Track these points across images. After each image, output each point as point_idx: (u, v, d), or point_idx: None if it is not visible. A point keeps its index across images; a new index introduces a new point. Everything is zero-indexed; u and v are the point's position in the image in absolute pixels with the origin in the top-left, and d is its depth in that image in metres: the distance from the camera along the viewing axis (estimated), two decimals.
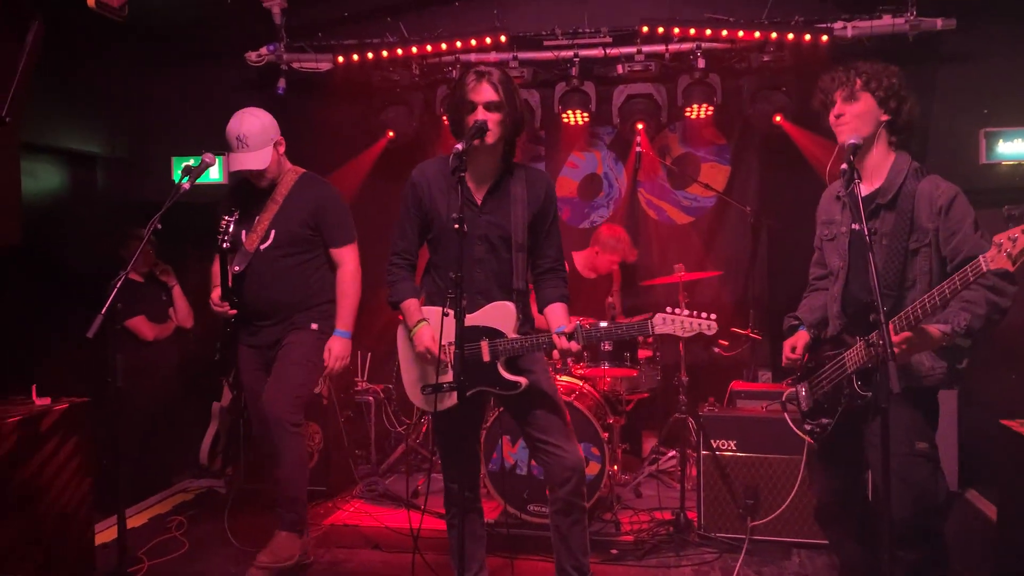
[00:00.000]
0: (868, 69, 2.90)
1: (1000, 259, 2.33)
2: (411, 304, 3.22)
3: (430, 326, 3.13)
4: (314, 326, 3.96)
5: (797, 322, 3.20)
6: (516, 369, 3.16)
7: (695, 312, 2.98)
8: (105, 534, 4.30)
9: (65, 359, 4.83)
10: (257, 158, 3.84)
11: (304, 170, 4.06)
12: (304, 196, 3.94)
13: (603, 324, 3.10)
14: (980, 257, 2.39)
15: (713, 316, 2.98)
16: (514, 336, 3.10)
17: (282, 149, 3.94)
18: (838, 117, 2.91)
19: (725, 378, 5.27)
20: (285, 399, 3.84)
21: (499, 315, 3.12)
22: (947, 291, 2.50)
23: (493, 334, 3.11)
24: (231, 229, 3.76)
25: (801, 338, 3.13)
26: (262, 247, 3.90)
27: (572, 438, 3.23)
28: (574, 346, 3.01)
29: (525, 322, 3.19)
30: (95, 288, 5.02)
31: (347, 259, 3.95)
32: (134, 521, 4.76)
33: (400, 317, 3.30)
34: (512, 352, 3.11)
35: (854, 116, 2.88)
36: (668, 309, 3.00)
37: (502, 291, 3.17)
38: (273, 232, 3.90)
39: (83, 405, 3.97)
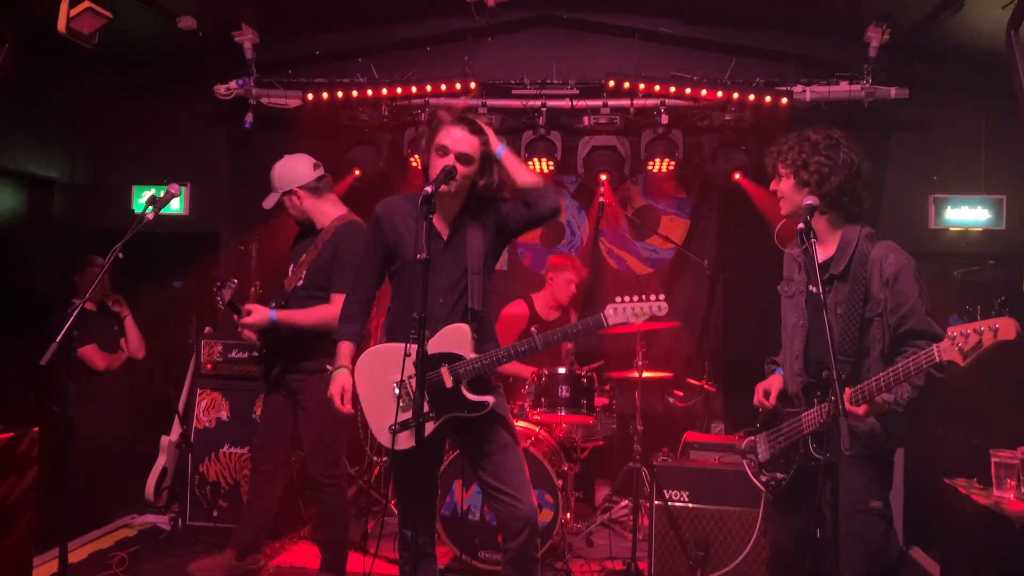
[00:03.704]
0: (779, 147, 3.02)
1: (952, 352, 2.44)
2: (345, 348, 3.25)
3: (349, 376, 3.18)
4: (329, 366, 3.91)
5: (775, 366, 3.24)
6: (481, 389, 3.12)
7: (643, 296, 2.99)
8: (43, 569, 4.15)
9: (10, 386, 4.71)
10: (268, 199, 4.21)
11: (352, 219, 4.18)
12: (332, 242, 4.07)
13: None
14: (934, 347, 2.49)
15: (662, 296, 2.99)
16: (473, 356, 3.08)
17: (298, 200, 4.16)
18: (775, 193, 3.08)
19: (679, 428, 5.32)
20: (320, 457, 4.09)
21: (454, 338, 3.10)
22: (901, 373, 2.58)
23: (452, 359, 3.08)
24: (223, 295, 4.05)
25: (776, 383, 3.16)
26: (298, 284, 4.11)
27: (528, 488, 3.19)
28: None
29: (483, 341, 3.16)
30: (44, 315, 4.94)
31: (336, 303, 3.87)
32: (74, 556, 4.58)
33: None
34: (474, 372, 3.07)
35: (783, 192, 3.04)
36: (617, 299, 3.01)
37: (460, 317, 3.16)
38: (305, 273, 4.10)
39: (30, 434, 3.85)
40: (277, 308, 4.08)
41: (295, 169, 4.16)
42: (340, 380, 3.19)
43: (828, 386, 2.61)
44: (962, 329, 2.43)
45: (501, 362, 3.11)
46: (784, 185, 3.01)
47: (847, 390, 2.68)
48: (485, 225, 3.22)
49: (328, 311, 3.95)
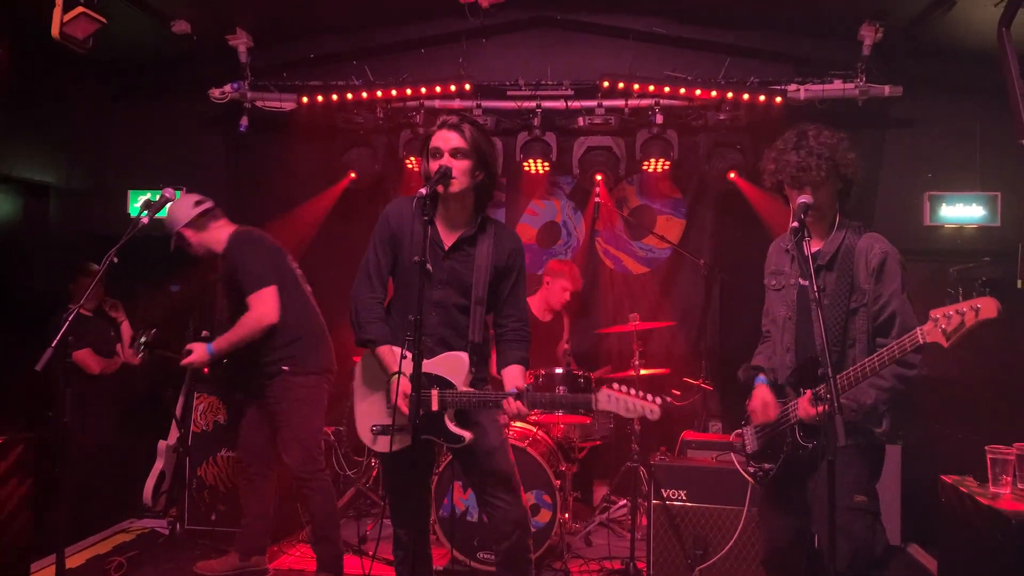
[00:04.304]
0: (829, 152, 2.88)
1: (935, 333, 2.46)
2: (386, 351, 3.10)
3: (406, 380, 2.96)
4: (285, 367, 4.16)
5: (754, 372, 3.22)
6: (464, 421, 3.11)
7: (640, 393, 2.93)
8: (41, 574, 4.16)
9: (7, 392, 4.70)
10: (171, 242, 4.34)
11: (241, 230, 4.33)
12: (225, 259, 4.24)
13: (549, 393, 3.06)
14: (917, 330, 2.52)
15: (658, 401, 2.91)
16: (464, 389, 3.06)
17: (186, 240, 4.28)
18: (810, 204, 2.87)
19: (676, 428, 5.32)
20: (295, 454, 4.17)
21: (452, 365, 3.09)
22: (886, 358, 2.60)
23: (444, 384, 3.07)
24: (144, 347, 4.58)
25: (768, 393, 3.09)
26: (224, 310, 4.35)
27: (518, 492, 3.20)
28: (523, 409, 2.97)
29: (478, 375, 3.16)
30: (41, 320, 4.94)
31: (253, 304, 4.09)
32: (72, 561, 4.59)
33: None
34: (460, 405, 3.07)
35: (825, 198, 2.92)
36: (615, 386, 2.94)
37: (458, 340, 3.14)
38: (224, 296, 4.31)
39: (25, 439, 3.85)
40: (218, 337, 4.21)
41: (177, 212, 4.28)
42: (400, 388, 2.97)
43: (816, 376, 2.63)
44: (944, 311, 2.45)
45: (487, 405, 3.07)
46: (829, 189, 2.92)
47: (808, 394, 2.73)
48: (494, 257, 3.16)
49: (249, 317, 4.08)
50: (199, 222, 4.28)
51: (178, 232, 4.27)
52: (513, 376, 3.17)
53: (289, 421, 4.16)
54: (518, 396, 2.98)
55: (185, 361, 4.17)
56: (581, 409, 3.01)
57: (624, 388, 2.93)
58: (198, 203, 4.31)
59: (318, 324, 4.33)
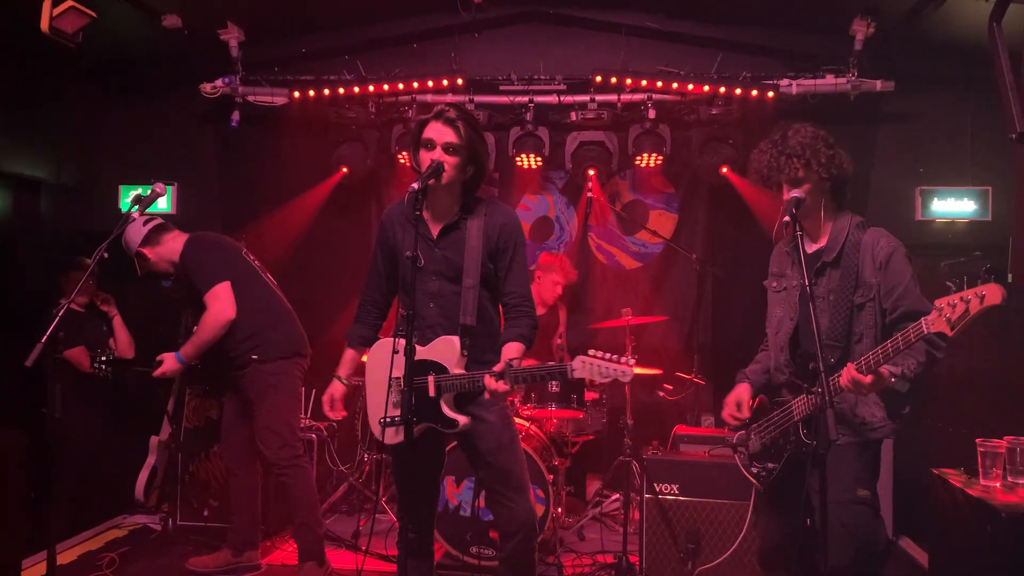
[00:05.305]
0: (801, 151, 2.90)
1: (940, 323, 2.44)
2: (346, 355, 3.42)
3: (339, 384, 3.39)
4: (254, 356, 4.21)
5: (744, 379, 3.23)
6: (464, 408, 3.11)
7: (613, 356, 2.91)
8: (32, 571, 4.14)
9: None
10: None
11: (192, 236, 4.37)
12: (179, 266, 4.30)
13: (527, 367, 3.04)
14: (922, 320, 2.50)
15: (631, 361, 2.90)
16: (456, 372, 3.06)
17: (146, 259, 4.31)
18: (801, 198, 2.90)
19: (669, 422, 5.34)
20: (271, 442, 4.21)
21: (443, 349, 3.09)
22: (894, 347, 2.59)
23: (439, 369, 3.07)
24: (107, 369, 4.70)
25: (744, 392, 3.15)
26: (190, 316, 4.40)
27: (525, 491, 3.18)
28: (501, 386, 2.94)
29: (473, 359, 3.12)
30: (33, 316, 4.91)
31: (209, 303, 4.15)
32: (64, 557, 4.57)
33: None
34: (454, 388, 3.06)
35: (807, 195, 2.92)
36: (590, 352, 2.93)
37: (454, 326, 3.13)
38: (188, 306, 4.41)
39: (15, 435, 3.83)
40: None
41: (130, 235, 4.31)
42: (329, 389, 3.37)
43: (816, 376, 2.63)
44: (949, 299, 2.42)
45: (477, 386, 3.02)
46: (808, 187, 2.92)
47: (850, 364, 2.67)
48: (485, 236, 3.15)
49: (208, 316, 4.14)
50: (152, 238, 4.32)
51: (137, 253, 4.31)
52: (507, 353, 3.12)
53: (264, 409, 4.21)
54: (500, 375, 2.94)
55: (156, 372, 4.21)
56: (559, 376, 3.01)
57: (599, 354, 2.92)
58: (147, 221, 4.36)
59: (282, 310, 4.38)
